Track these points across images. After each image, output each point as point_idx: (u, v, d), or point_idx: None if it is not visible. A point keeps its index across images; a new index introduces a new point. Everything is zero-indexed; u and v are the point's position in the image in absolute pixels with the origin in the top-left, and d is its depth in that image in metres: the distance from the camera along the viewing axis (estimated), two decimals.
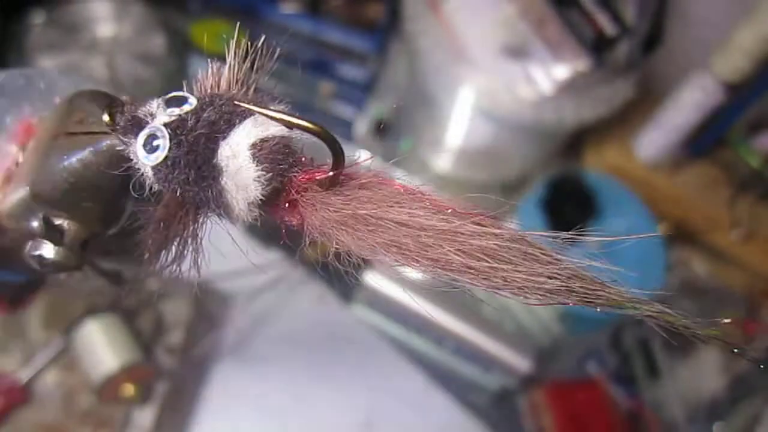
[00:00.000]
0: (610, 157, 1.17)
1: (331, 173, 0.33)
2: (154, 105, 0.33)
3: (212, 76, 0.35)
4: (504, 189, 1.20)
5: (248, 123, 0.32)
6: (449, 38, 0.96)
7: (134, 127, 0.33)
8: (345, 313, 1.04)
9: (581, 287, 0.31)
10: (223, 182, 0.32)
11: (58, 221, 0.37)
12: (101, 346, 0.83)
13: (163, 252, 0.35)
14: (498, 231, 0.32)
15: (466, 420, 0.99)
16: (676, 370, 1.06)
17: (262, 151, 0.32)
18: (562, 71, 0.93)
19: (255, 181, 0.32)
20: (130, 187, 0.34)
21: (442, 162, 1.17)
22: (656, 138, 1.11)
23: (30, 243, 0.38)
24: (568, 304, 0.31)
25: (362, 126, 1.20)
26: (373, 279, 0.99)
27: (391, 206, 0.33)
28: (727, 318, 0.31)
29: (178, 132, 0.32)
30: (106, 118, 0.34)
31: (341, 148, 0.33)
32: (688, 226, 1.16)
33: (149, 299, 0.92)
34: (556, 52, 0.93)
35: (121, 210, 0.39)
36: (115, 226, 0.40)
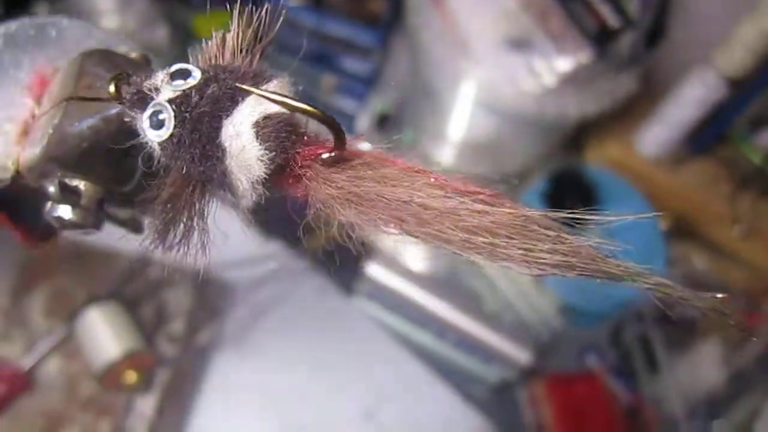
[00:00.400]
0: (611, 152, 1.17)
1: (333, 153, 0.34)
2: (159, 78, 0.34)
3: (216, 46, 0.35)
4: (506, 182, 1.20)
5: (251, 100, 0.33)
6: (451, 31, 0.97)
7: (140, 101, 0.33)
8: (346, 304, 1.04)
9: (581, 261, 0.31)
10: (227, 162, 0.32)
11: (73, 182, 0.38)
12: (103, 334, 0.84)
13: (171, 230, 0.35)
14: (500, 207, 0.32)
15: (466, 411, 0.99)
16: (675, 365, 1.06)
17: (265, 129, 0.32)
18: (564, 64, 0.94)
19: (258, 160, 0.32)
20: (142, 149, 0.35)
21: (445, 155, 1.18)
22: (658, 133, 1.12)
23: (48, 204, 0.38)
24: (569, 276, 0.32)
25: (365, 119, 1.20)
26: (374, 271, 0.99)
27: (394, 184, 0.33)
28: (723, 294, 0.32)
29: (182, 109, 0.32)
30: (111, 89, 0.34)
31: (342, 129, 0.33)
32: (689, 221, 1.16)
33: (151, 287, 0.93)
34: (558, 45, 0.93)
35: (134, 169, 0.39)
36: (130, 183, 0.40)
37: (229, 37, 0.35)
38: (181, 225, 0.35)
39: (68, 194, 0.38)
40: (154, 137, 0.33)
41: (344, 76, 1.20)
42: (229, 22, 0.35)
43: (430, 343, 1.03)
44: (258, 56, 0.35)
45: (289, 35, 1.18)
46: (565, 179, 1.08)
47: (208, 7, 1.18)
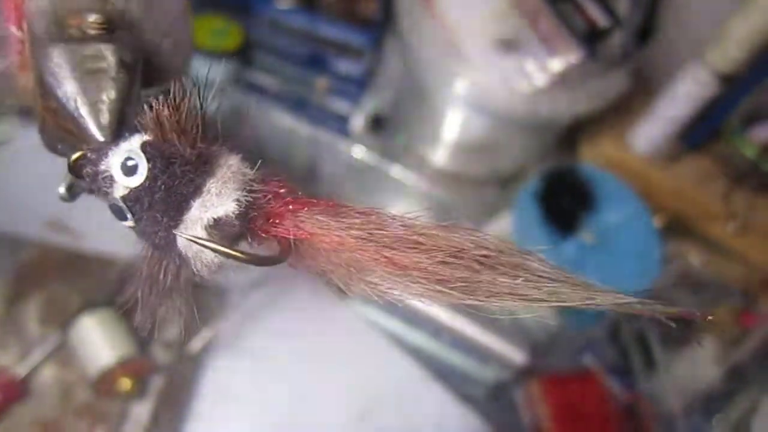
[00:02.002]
0: (605, 150, 1.17)
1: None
2: (113, 163, 0.34)
3: (158, 119, 0.35)
4: (500, 182, 1.21)
5: (196, 208, 0.33)
6: (442, 32, 0.97)
7: (97, 189, 0.35)
8: (341, 305, 1.04)
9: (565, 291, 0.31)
10: (185, 256, 0.34)
11: None
12: (98, 341, 0.84)
13: (156, 308, 0.36)
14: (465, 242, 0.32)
15: (462, 412, 0.99)
16: (672, 362, 1.06)
17: (217, 229, 0.33)
18: (555, 64, 0.93)
19: (216, 256, 0.34)
20: None
21: (438, 156, 1.18)
22: (651, 130, 1.11)
23: None
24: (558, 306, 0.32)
25: (358, 121, 1.20)
26: None
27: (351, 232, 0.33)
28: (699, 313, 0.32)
29: (134, 210, 0.34)
30: (70, 166, 0.35)
31: (275, 260, 0.34)
32: (684, 218, 1.16)
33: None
34: (549, 45, 0.93)
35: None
36: None
37: (168, 113, 0.35)
38: (165, 300, 0.36)
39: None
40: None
41: (337, 78, 1.20)
42: (171, 95, 0.35)
43: (426, 344, 1.03)
44: (200, 131, 0.35)
45: (281, 38, 1.18)
46: (560, 178, 1.07)
47: (197, 12, 1.18)
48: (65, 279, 0.93)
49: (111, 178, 0.34)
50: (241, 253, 0.33)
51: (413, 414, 0.98)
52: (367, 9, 1.17)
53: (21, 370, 0.84)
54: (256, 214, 0.34)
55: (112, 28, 0.37)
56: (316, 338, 1.01)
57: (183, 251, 0.34)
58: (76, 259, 0.95)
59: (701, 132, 1.12)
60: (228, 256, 0.33)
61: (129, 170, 0.33)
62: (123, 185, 0.33)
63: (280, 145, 1.17)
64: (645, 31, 0.96)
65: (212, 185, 0.33)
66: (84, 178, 0.35)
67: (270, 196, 0.35)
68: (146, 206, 0.33)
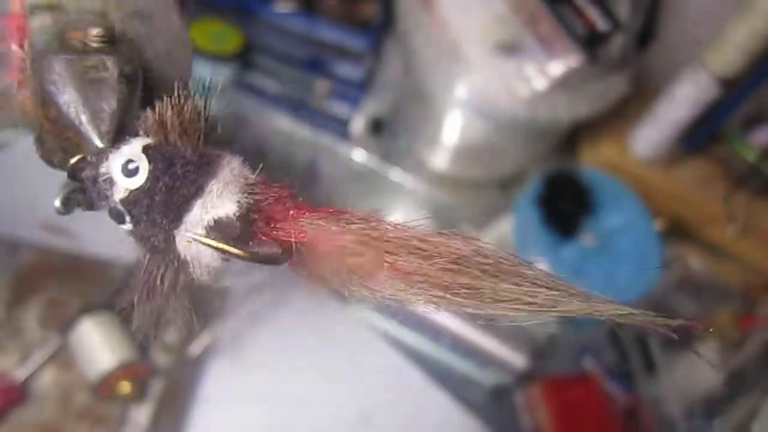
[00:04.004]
0: (605, 153, 1.17)
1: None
2: (114, 165, 0.34)
3: (160, 121, 0.35)
4: (500, 186, 1.21)
5: (197, 209, 0.33)
6: (442, 35, 0.97)
7: (96, 192, 0.35)
8: (341, 309, 1.04)
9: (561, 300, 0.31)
10: (184, 258, 0.34)
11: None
12: (97, 344, 0.84)
13: (154, 313, 0.36)
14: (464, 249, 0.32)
15: (462, 416, 0.99)
16: (672, 365, 1.06)
17: (218, 231, 0.33)
18: (555, 68, 0.93)
19: (216, 257, 0.34)
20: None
21: (438, 159, 1.18)
22: (651, 134, 1.11)
23: None
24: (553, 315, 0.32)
25: (358, 124, 1.20)
26: None
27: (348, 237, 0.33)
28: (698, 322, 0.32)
29: (134, 212, 0.34)
30: (70, 171, 0.35)
31: (277, 259, 0.34)
32: (684, 221, 1.16)
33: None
34: (549, 49, 0.93)
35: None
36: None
37: (171, 115, 0.35)
38: (164, 308, 0.36)
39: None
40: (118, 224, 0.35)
41: (337, 81, 1.20)
42: (174, 98, 0.35)
43: (426, 348, 1.03)
44: (203, 134, 0.35)
45: (281, 41, 1.18)
46: (560, 182, 1.08)
47: (197, 15, 1.18)
48: (65, 282, 0.93)
49: (111, 181, 0.34)
50: (243, 250, 0.33)
51: (414, 418, 0.98)
52: (367, 12, 1.17)
53: (21, 374, 0.84)
54: (257, 216, 0.34)
55: (113, 41, 0.37)
56: (316, 342, 1.01)
57: (182, 254, 0.34)
58: (76, 262, 0.95)
59: (701, 135, 1.12)
60: (229, 254, 0.33)
61: (130, 172, 0.33)
62: (123, 187, 0.34)
63: (280, 149, 1.17)
64: (645, 35, 0.96)
65: (214, 186, 0.33)
66: (83, 182, 0.35)
67: (271, 199, 0.35)
68: (146, 208, 0.33)
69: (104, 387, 0.82)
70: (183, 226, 0.33)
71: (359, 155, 1.16)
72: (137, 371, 0.85)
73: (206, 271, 0.34)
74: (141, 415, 0.85)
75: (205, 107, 0.36)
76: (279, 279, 1.02)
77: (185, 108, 0.35)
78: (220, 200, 0.33)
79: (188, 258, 0.34)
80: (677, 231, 1.16)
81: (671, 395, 1.03)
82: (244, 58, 1.18)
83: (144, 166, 0.33)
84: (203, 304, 0.97)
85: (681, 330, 0.31)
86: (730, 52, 0.95)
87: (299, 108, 1.22)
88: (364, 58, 1.17)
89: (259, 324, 1.00)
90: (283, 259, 0.34)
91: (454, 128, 1.09)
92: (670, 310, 1.12)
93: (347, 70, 1.19)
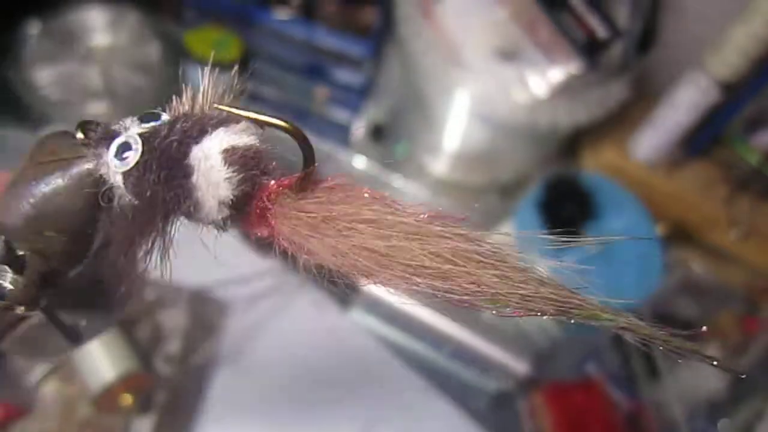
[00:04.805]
0: (607, 158, 1.17)
1: (303, 173, 0.34)
2: (128, 120, 0.34)
3: (186, 102, 0.36)
4: (501, 191, 1.20)
5: (220, 131, 0.33)
6: (442, 42, 0.96)
7: (107, 138, 0.34)
8: (343, 318, 1.04)
9: (553, 295, 0.31)
10: (194, 179, 0.33)
11: (20, 252, 0.36)
12: (99, 356, 0.84)
13: (133, 253, 0.35)
14: (469, 235, 0.32)
15: (464, 423, 0.99)
16: (676, 371, 1.06)
17: (234, 155, 0.33)
18: (555, 74, 0.93)
19: (226, 180, 0.33)
20: (96, 224, 0.34)
21: (439, 165, 1.17)
22: (653, 138, 1.11)
23: None
24: (544, 315, 0.31)
25: (358, 130, 1.20)
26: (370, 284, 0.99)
27: (361, 209, 0.33)
28: (704, 327, 0.32)
29: (150, 140, 0.33)
30: (80, 135, 0.34)
31: (311, 146, 0.34)
32: (686, 225, 1.16)
33: (147, 308, 0.93)
34: (548, 55, 0.92)
35: (85, 248, 0.38)
36: (78, 265, 0.39)
37: (199, 95, 0.36)
38: (144, 248, 0.35)
39: (13, 259, 0.36)
40: (119, 168, 0.33)
41: (337, 88, 1.20)
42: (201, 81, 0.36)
43: (428, 355, 1.03)
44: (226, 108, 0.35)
45: (281, 48, 1.18)
46: (561, 186, 1.07)
47: (197, 23, 1.18)
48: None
49: (126, 128, 0.34)
50: (275, 117, 0.33)
51: (416, 425, 0.98)
52: (366, 18, 1.16)
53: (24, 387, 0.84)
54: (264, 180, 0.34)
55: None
56: (318, 351, 1.01)
57: (195, 164, 0.33)
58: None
59: (703, 139, 1.12)
60: (263, 123, 0.33)
61: (150, 117, 0.34)
62: (140, 127, 0.34)
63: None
64: (645, 40, 0.95)
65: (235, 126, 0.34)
66: (91, 139, 0.35)
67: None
68: (162, 136, 0.33)
69: (106, 400, 0.82)
70: (203, 142, 0.33)
71: (359, 161, 1.16)
72: (140, 383, 0.85)
73: (215, 197, 0.33)
74: (144, 426, 0.84)
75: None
76: (279, 289, 1.02)
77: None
78: (239, 133, 0.33)
79: (200, 172, 0.33)
80: (679, 235, 1.15)
81: (675, 399, 1.03)
82: (244, 65, 1.18)
83: (165, 115, 0.34)
84: (206, 315, 0.98)
85: (690, 337, 0.31)
86: (730, 56, 0.95)
87: (299, 114, 1.22)
88: (363, 65, 1.17)
89: (261, 333, 1.00)
90: (291, 130, 0.33)
91: (454, 134, 1.08)
92: (673, 314, 1.12)
93: (347, 76, 1.18)
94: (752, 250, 1.14)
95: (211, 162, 0.33)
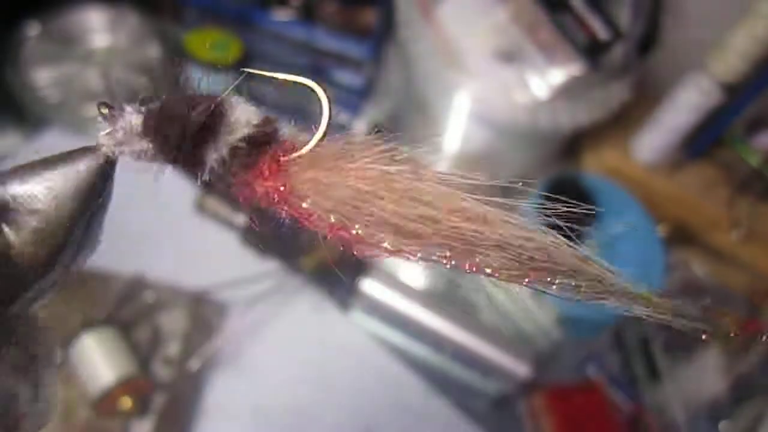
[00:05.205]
0: (608, 159, 1.17)
1: (322, 126, 0.35)
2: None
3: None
4: (502, 193, 1.20)
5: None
6: (442, 44, 0.96)
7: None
8: (343, 320, 1.04)
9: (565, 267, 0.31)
10: (225, 108, 0.34)
11: None
12: (98, 360, 0.84)
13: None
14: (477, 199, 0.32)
15: (465, 425, 0.98)
16: (676, 372, 1.05)
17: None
18: (556, 76, 0.93)
19: (248, 122, 0.34)
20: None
21: (439, 167, 1.17)
22: (654, 139, 1.11)
23: None
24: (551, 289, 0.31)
25: (359, 132, 1.20)
26: (370, 286, 0.99)
27: (371, 169, 0.33)
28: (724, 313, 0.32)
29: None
30: (98, 108, 0.34)
31: (330, 98, 0.35)
32: (687, 226, 1.15)
33: (146, 310, 0.93)
34: (549, 57, 0.92)
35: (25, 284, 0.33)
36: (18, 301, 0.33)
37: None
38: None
39: None
40: (137, 111, 0.33)
41: (337, 89, 1.20)
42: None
43: (429, 358, 1.03)
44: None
45: (281, 50, 1.17)
46: (562, 187, 1.07)
47: (197, 25, 1.18)
48: (65, 297, 0.92)
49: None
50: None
51: (417, 427, 0.98)
52: (367, 20, 1.16)
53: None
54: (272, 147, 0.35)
55: None
56: (319, 352, 1.00)
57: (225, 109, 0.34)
58: (77, 277, 0.94)
59: (704, 140, 1.12)
60: (285, 81, 0.36)
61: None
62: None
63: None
64: (647, 42, 0.95)
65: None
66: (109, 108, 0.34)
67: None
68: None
69: (105, 403, 0.82)
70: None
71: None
72: (138, 386, 0.84)
73: (230, 135, 0.34)
74: (143, 429, 0.84)
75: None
76: (280, 290, 1.02)
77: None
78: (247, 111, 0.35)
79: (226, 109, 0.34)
80: (680, 236, 1.15)
81: (675, 401, 1.03)
82: (243, 66, 1.18)
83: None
84: (204, 317, 0.97)
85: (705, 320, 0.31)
86: (732, 58, 0.95)
87: (299, 115, 1.21)
88: (364, 66, 1.16)
89: (261, 335, 0.99)
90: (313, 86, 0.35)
91: (455, 135, 1.08)
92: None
93: (347, 77, 1.18)
94: (754, 251, 1.14)
95: (233, 100, 0.35)
